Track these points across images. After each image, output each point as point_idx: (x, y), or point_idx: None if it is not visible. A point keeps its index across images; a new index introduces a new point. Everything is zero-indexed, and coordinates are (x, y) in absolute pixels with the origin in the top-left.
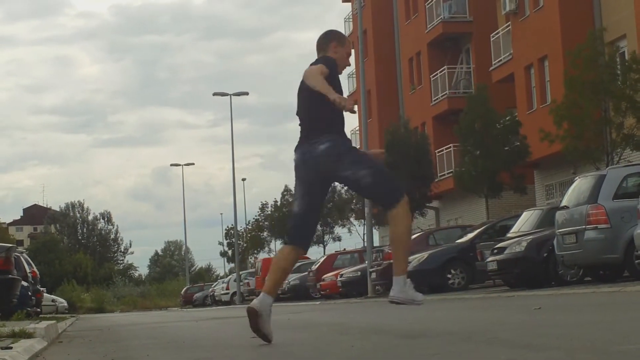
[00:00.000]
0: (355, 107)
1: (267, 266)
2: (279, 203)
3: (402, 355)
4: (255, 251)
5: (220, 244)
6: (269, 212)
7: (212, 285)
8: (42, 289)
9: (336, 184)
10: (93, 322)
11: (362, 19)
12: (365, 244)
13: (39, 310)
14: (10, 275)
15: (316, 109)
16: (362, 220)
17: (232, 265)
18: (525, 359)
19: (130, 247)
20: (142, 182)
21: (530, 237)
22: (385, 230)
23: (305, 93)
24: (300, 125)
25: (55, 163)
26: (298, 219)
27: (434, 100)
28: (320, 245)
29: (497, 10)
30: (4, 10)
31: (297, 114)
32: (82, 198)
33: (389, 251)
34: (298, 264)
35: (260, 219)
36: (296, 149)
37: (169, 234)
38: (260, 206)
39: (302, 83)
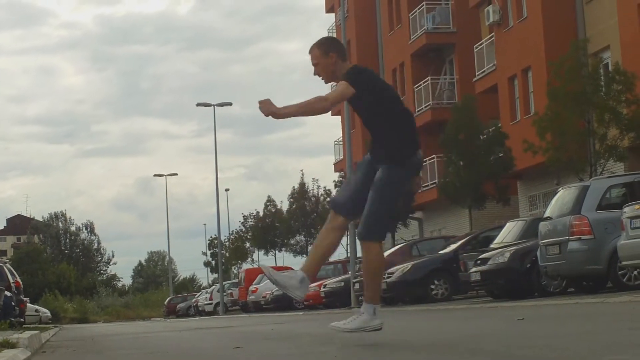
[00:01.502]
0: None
1: (251, 277)
2: (261, 214)
3: None
4: (238, 262)
5: (204, 254)
6: (252, 224)
7: (196, 296)
8: (25, 299)
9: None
10: (76, 332)
11: (346, 30)
12: (349, 255)
13: (22, 320)
14: None
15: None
16: (346, 231)
17: (216, 275)
18: None
19: (113, 257)
20: (125, 193)
21: (514, 248)
22: None
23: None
24: None
25: (39, 173)
26: None
27: (418, 111)
28: (304, 255)
29: (480, 21)
30: None
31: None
32: (65, 208)
33: None
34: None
35: (241, 231)
36: None
37: (152, 244)
38: (243, 219)
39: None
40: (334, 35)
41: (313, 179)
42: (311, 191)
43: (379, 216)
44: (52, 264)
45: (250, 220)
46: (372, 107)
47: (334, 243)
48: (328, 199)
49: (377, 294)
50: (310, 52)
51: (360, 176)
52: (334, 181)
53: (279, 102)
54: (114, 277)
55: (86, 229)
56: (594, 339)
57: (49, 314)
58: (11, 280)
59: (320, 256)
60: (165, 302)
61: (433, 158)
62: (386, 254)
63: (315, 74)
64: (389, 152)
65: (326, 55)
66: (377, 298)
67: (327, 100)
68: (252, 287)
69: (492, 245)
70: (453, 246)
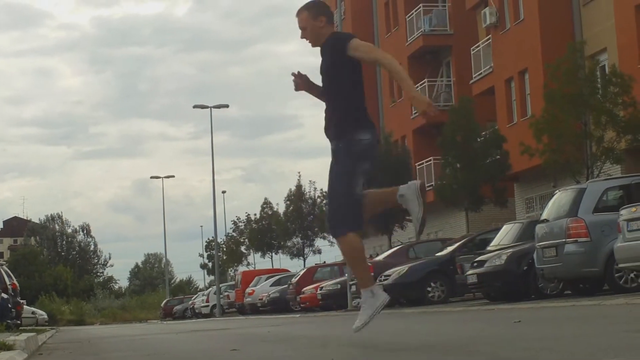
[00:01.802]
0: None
1: (247, 279)
2: (257, 216)
3: None
4: (234, 265)
5: (201, 256)
6: (242, 228)
7: (192, 298)
8: (22, 301)
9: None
10: (73, 334)
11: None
12: None
13: (19, 322)
14: None
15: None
16: None
17: (212, 277)
18: None
19: (109, 259)
20: (122, 195)
21: (510, 250)
22: (365, 243)
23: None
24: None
25: (36, 175)
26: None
27: (414, 114)
28: (301, 257)
29: (477, 23)
30: None
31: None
32: (61, 210)
33: (369, 264)
34: (278, 277)
35: (235, 235)
36: (372, 129)
37: (149, 247)
38: (233, 223)
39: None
40: None
41: (310, 181)
42: (308, 193)
43: (333, 209)
44: (48, 266)
45: (240, 224)
46: (352, 72)
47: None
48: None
49: (365, 278)
50: (298, 15)
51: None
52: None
53: (276, 104)
54: (110, 279)
55: (82, 231)
56: (591, 341)
57: (46, 316)
58: (8, 282)
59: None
60: (162, 305)
61: (430, 160)
62: (382, 256)
63: (302, 37)
64: (345, 118)
65: (315, 18)
66: (366, 282)
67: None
68: (248, 290)
69: (488, 248)
70: (450, 248)
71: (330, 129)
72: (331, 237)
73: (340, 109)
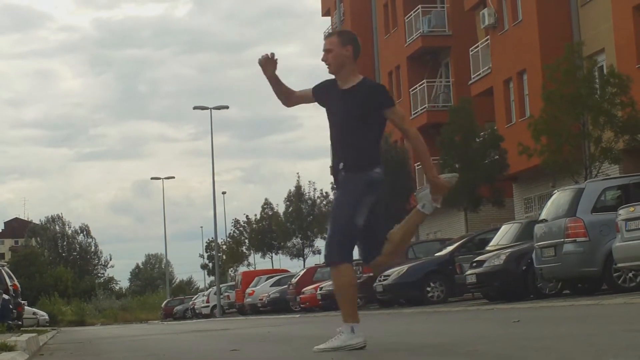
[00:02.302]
0: None
1: (247, 279)
2: (258, 217)
3: None
4: (235, 265)
5: (201, 256)
6: (243, 228)
7: (193, 298)
8: (23, 302)
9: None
10: (74, 334)
11: None
12: None
13: (20, 323)
14: None
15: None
16: None
17: (213, 278)
18: None
19: (110, 260)
20: (123, 196)
21: (509, 250)
22: None
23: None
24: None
25: (37, 176)
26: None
27: (414, 114)
28: (300, 258)
29: (476, 24)
30: None
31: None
32: (61, 212)
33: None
34: (278, 277)
35: (236, 235)
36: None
37: (149, 247)
38: (233, 222)
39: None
40: None
41: (309, 181)
42: (307, 194)
43: (331, 237)
44: (49, 267)
45: (240, 225)
46: (376, 120)
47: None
48: (325, 201)
49: (349, 312)
50: (328, 37)
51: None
52: (331, 183)
53: (276, 105)
54: (111, 280)
55: (82, 232)
56: (590, 341)
57: (47, 317)
58: (9, 283)
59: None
60: (163, 305)
61: None
62: None
63: (322, 60)
64: (360, 155)
65: (343, 45)
66: (350, 316)
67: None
68: (249, 290)
69: (487, 248)
70: (449, 249)
71: (345, 163)
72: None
73: (359, 148)
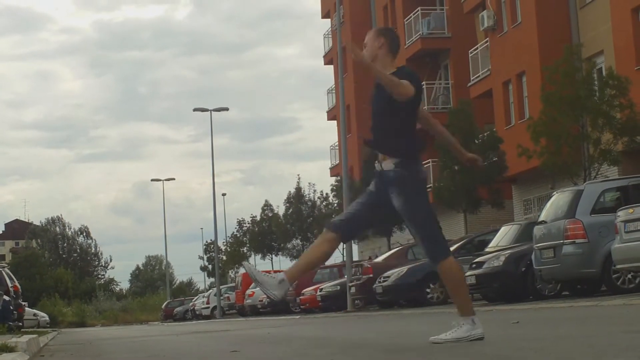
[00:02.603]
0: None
1: (247, 281)
2: (258, 218)
3: None
4: (235, 266)
5: (201, 258)
6: (247, 228)
7: (193, 300)
8: (23, 303)
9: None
10: (74, 336)
11: (341, 35)
12: (345, 259)
13: (20, 324)
14: None
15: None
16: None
17: (213, 279)
18: None
19: (110, 261)
20: (123, 197)
21: (509, 251)
22: (364, 245)
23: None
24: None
25: (37, 178)
26: None
27: None
28: None
29: (475, 26)
30: None
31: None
32: (60, 213)
33: (368, 266)
34: None
35: (239, 235)
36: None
37: (149, 249)
38: (238, 223)
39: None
40: (329, 40)
41: (309, 183)
42: (307, 195)
43: (429, 238)
44: (50, 269)
45: (245, 225)
46: (410, 109)
47: (323, 254)
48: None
49: (465, 306)
50: (367, 34)
51: (361, 203)
52: (331, 185)
53: (276, 107)
54: (112, 281)
55: (82, 233)
56: (589, 342)
57: (47, 318)
58: (9, 285)
59: (305, 264)
60: (163, 306)
61: (428, 162)
62: (382, 257)
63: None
64: (400, 145)
65: (376, 38)
66: (468, 309)
67: (408, 90)
68: (248, 291)
69: (487, 249)
70: None
71: (389, 153)
72: (434, 267)
73: (389, 139)
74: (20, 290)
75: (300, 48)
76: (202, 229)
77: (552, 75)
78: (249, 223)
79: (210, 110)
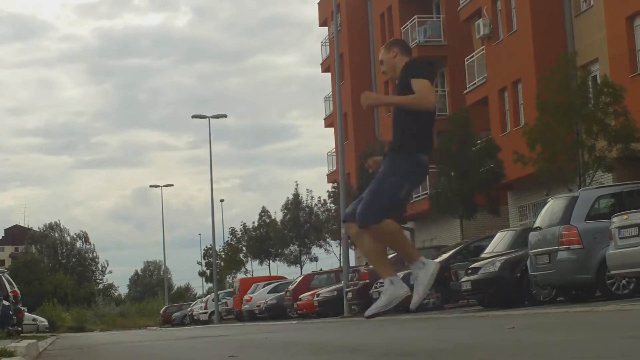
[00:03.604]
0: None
1: (245, 286)
2: (255, 224)
3: None
4: (232, 272)
5: (199, 263)
6: (239, 236)
7: (191, 305)
8: (23, 308)
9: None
10: (73, 340)
11: (339, 43)
12: (342, 264)
13: (20, 329)
14: None
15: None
16: (339, 241)
17: (211, 285)
18: None
19: (107, 266)
20: (123, 203)
21: (504, 257)
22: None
23: None
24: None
25: (37, 184)
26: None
27: None
28: (297, 265)
29: (471, 34)
30: None
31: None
32: (59, 219)
33: (365, 271)
34: (275, 284)
35: (234, 242)
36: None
37: (148, 254)
38: (230, 231)
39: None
40: (327, 48)
41: (307, 189)
42: (305, 202)
43: (375, 198)
44: (49, 274)
45: (239, 232)
46: None
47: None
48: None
49: (383, 269)
50: (380, 51)
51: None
52: (328, 191)
53: (274, 114)
54: (111, 286)
55: (80, 238)
56: (584, 347)
57: (47, 323)
58: (9, 290)
59: (381, 257)
60: (161, 311)
61: None
62: None
63: (382, 72)
64: (404, 139)
65: (389, 51)
66: (386, 272)
67: (430, 95)
68: (246, 297)
69: (482, 255)
70: (444, 256)
71: (397, 143)
72: (360, 224)
73: (404, 132)
74: (19, 295)
75: (298, 56)
76: (200, 234)
77: (547, 83)
78: (241, 231)
79: (209, 117)
